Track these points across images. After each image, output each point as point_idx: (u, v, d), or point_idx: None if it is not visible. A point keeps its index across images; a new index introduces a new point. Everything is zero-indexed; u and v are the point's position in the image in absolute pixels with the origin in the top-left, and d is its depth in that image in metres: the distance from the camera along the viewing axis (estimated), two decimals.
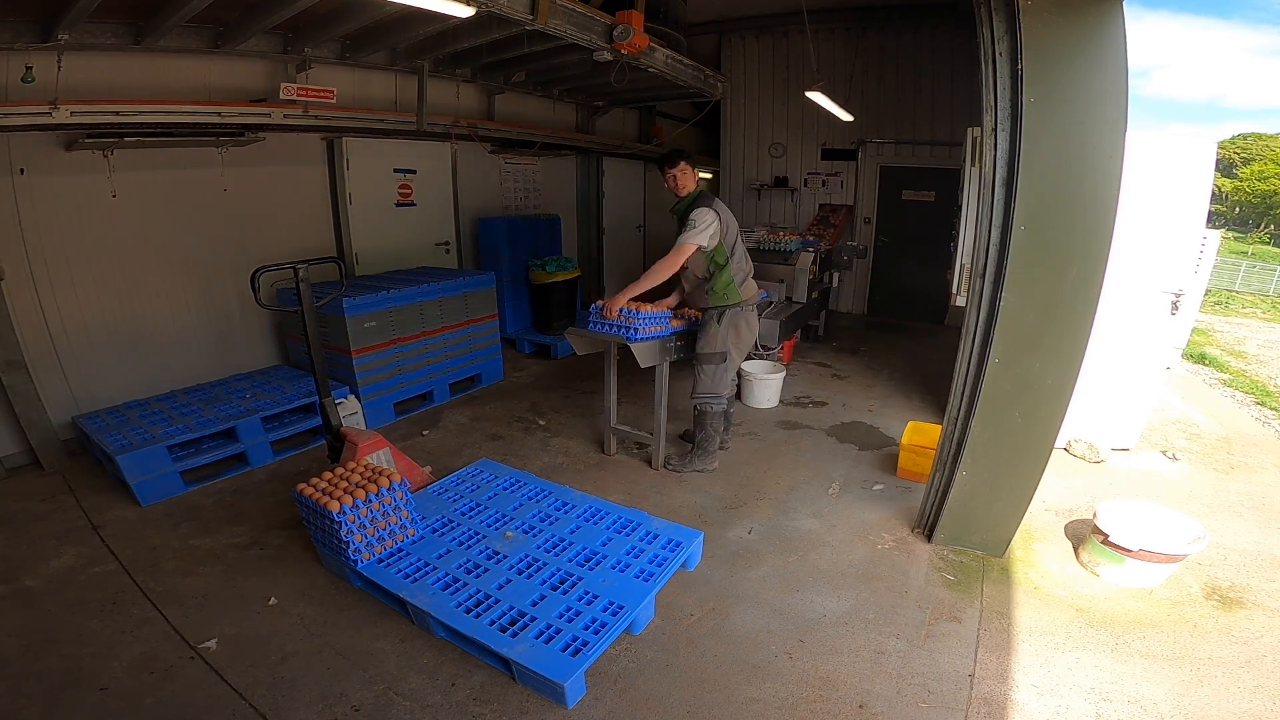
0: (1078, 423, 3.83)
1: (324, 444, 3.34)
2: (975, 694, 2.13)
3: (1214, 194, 4.60)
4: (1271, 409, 5.17)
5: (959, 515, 2.88)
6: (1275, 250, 29.28)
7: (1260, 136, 39.23)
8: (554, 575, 2.53)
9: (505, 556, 2.64)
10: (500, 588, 2.45)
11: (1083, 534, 2.97)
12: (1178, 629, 2.45)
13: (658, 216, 9.78)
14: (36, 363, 3.61)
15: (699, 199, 3.45)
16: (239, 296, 4.47)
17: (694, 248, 3.35)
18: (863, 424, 4.50)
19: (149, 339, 4.15)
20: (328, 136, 4.96)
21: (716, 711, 2.06)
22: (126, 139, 3.72)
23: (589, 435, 4.27)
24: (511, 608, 2.33)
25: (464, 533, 2.83)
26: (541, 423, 4.49)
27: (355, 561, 2.53)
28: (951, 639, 2.39)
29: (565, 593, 2.42)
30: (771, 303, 5.12)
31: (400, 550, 2.67)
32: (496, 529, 2.86)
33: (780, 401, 4.85)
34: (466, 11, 3.16)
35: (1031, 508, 2.78)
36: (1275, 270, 19.28)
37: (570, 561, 2.61)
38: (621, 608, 2.33)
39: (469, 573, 2.54)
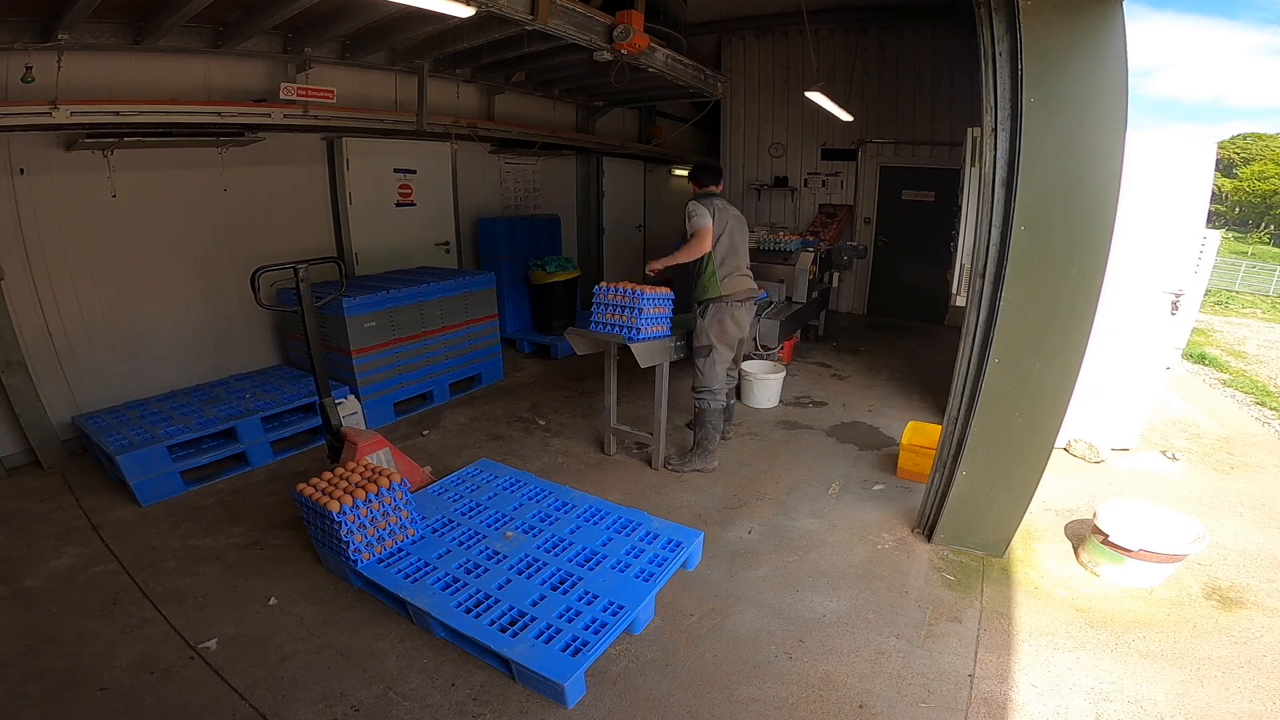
0: (1078, 423, 3.83)
1: (324, 444, 3.34)
2: (975, 694, 2.13)
3: (1214, 194, 4.59)
4: (1271, 409, 5.17)
5: (959, 515, 2.88)
6: (1275, 250, 29.28)
7: (1260, 136, 39.23)
8: (554, 575, 2.53)
9: (505, 556, 2.64)
10: (500, 588, 2.45)
11: (1083, 534, 2.97)
12: (1178, 629, 2.45)
13: (658, 216, 9.79)
14: (36, 363, 3.61)
15: (696, 197, 3.65)
16: (239, 296, 4.47)
17: (707, 230, 3.45)
18: (863, 424, 4.50)
19: (149, 339, 4.15)
20: (328, 136, 4.96)
21: (716, 711, 2.06)
22: (126, 139, 3.72)
23: (589, 435, 4.27)
24: (511, 608, 2.33)
25: (464, 533, 2.83)
26: (541, 423, 4.49)
27: (355, 561, 2.53)
28: (951, 639, 2.39)
29: (565, 593, 2.42)
30: (772, 303, 5.12)
31: (400, 550, 2.67)
32: (496, 529, 2.86)
33: (780, 401, 4.85)
34: (466, 11, 3.16)
35: (1031, 508, 2.78)
36: (1275, 270, 19.28)
37: (570, 561, 2.61)
38: (621, 608, 2.33)
39: (469, 573, 2.54)
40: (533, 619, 2.27)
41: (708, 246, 3.47)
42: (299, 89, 4.26)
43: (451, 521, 2.92)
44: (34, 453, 3.64)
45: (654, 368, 3.56)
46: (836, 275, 6.71)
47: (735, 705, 2.09)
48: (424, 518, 2.90)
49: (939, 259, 5.87)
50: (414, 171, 5.68)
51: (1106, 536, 2.70)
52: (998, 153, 2.42)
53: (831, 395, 5.06)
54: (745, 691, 2.14)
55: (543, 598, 2.39)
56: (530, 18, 3.44)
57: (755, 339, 4.84)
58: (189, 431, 3.51)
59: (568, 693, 2.03)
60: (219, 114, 3.95)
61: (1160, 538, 2.64)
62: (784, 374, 4.84)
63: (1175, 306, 3.68)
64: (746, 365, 4.90)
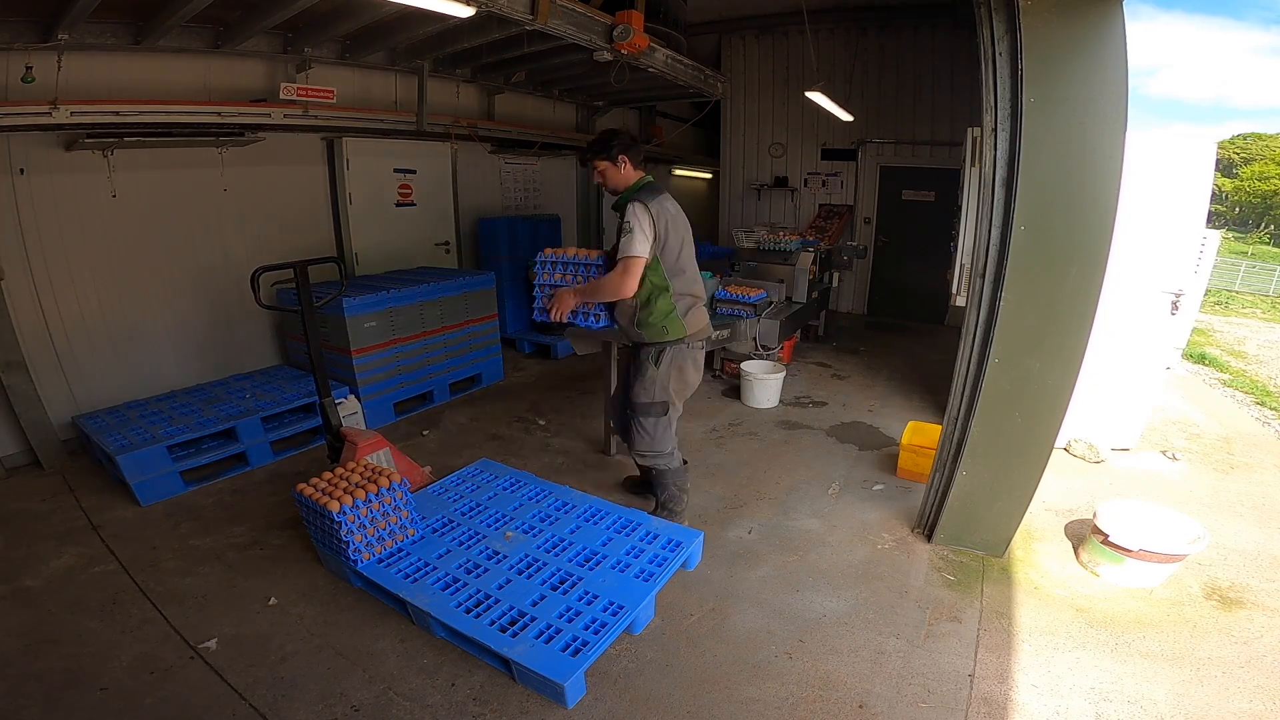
0: (1078, 423, 3.83)
1: (324, 444, 3.34)
2: (975, 694, 2.13)
3: (1214, 194, 4.60)
4: (1271, 409, 5.17)
5: (959, 515, 2.88)
6: (1275, 250, 29.29)
7: (1260, 136, 39.24)
8: (554, 575, 2.53)
9: (505, 556, 2.64)
10: (500, 588, 2.45)
11: (1083, 534, 2.97)
12: (1178, 629, 2.45)
13: None
14: (36, 363, 3.61)
15: (640, 191, 2.65)
16: (239, 296, 4.46)
17: (641, 261, 2.56)
18: (863, 424, 4.50)
19: (149, 339, 4.15)
20: (328, 136, 4.96)
21: (716, 711, 2.06)
22: (126, 139, 3.72)
23: (589, 435, 4.27)
24: (511, 608, 2.33)
25: (464, 533, 2.83)
26: (541, 423, 4.49)
27: (355, 561, 2.53)
28: (951, 639, 2.39)
29: (565, 593, 2.42)
30: (771, 303, 5.12)
31: (400, 550, 2.67)
32: (496, 529, 2.86)
33: (780, 401, 4.85)
34: (466, 11, 3.16)
35: (1031, 508, 2.78)
36: (1275, 270, 19.29)
37: (570, 561, 2.61)
38: (621, 608, 2.33)
39: (469, 573, 2.54)
40: (533, 619, 2.27)
41: (632, 288, 2.58)
42: (299, 89, 4.26)
43: (451, 521, 2.92)
44: (34, 453, 3.64)
45: None
46: (836, 275, 6.71)
47: (735, 705, 2.08)
48: (424, 518, 2.89)
49: (939, 259, 5.87)
50: (414, 171, 5.68)
51: (1106, 536, 2.70)
52: (998, 153, 2.41)
53: (831, 395, 5.06)
54: (745, 691, 2.14)
55: (543, 598, 2.39)
56: (530, 18, 3.44)
57: (755, 339, 4.84)
58: (189, 431, 3.51)
59: (568, 693, 2.03)
60: (219, 114, 3.96)
61: (1160, 538, 2.64)
62: (784, 374, 4.84)
63: (1175, 306, 3.68)
64: (746, 365, 4.90)
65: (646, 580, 2.49)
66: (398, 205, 5.62)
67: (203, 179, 4.25)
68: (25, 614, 2.47)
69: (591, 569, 2.56)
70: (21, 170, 3.48)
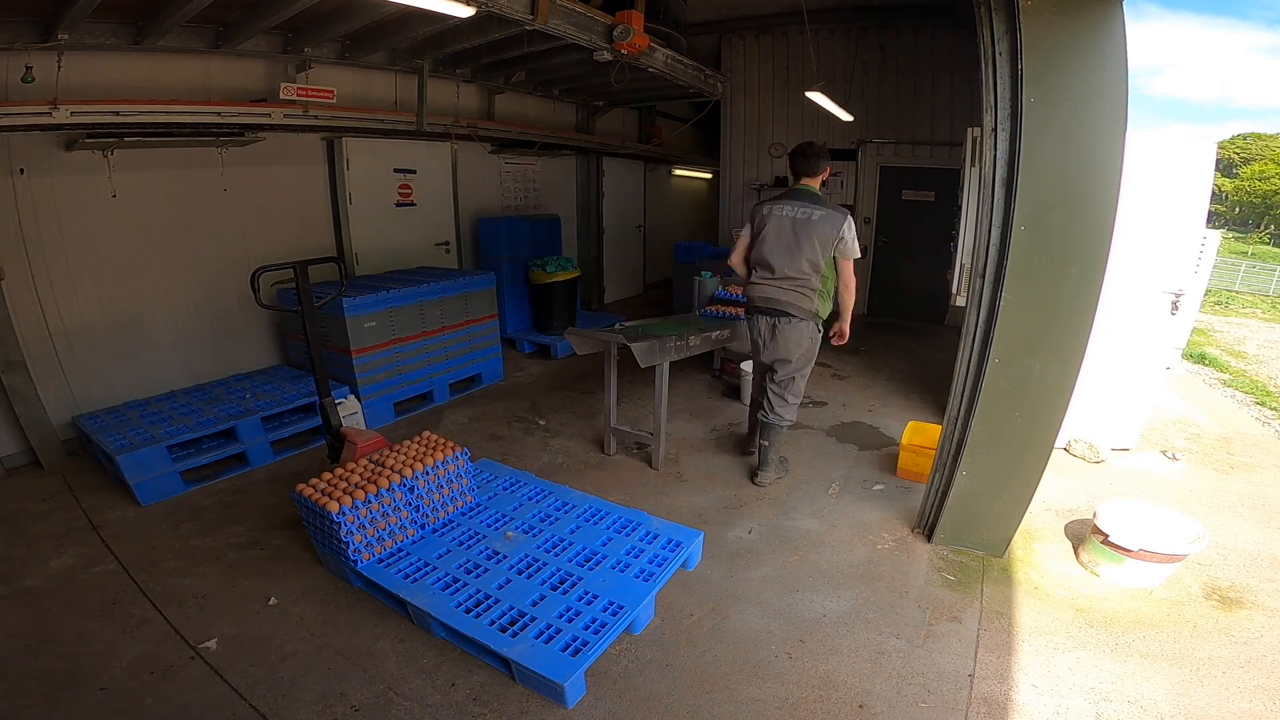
0: (1078, 423, 3.82)
1: (324, 444, 3.34)
2: (975, 694, 2.13)
3: (1214, 194, 4.60)
4: (1271, 409, 5.17)
5: (959, 515, 2.88)
6: (1275, 250, 29.29)
7: (1260, 136, 39.25)
8: (554, 575, 2.53)
9: (505, 556, 2.64)
10: (500, 588, 2.45)
11: (1083, 534, 2.97)
12: (1178, 629, 2.45)
13: (658, 216, 9.80)
14: (36, 363, 3.61)
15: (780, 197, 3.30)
16: (239, 296, 4.47)
17: (740, 240, 3.38)
18: (863, 424, 4.50)
19: (149, 339, 4.15)
20: (328, 136, 4.97)
21: (716, 711, 2.06)
22: (126, 139, 3.72)
23: (589, 435, 4.27)
24: (511, 608, 2.33)
25: (464, 533, 2.83)
26: (541, 423, 4.50)
27: (355, 561, 2.54)
28: (951, 639, 2.39)
29: (565, 593, 2.42)
30: None
31: (400, 550, 2.67)
32: (496, 529, 2.86)
33: None
34: (466, 11, 3.16)
35: (1031, 508, 2.78)
36: (1275, 270, 19.29)
37: (570, 561, 2.61)
38: (621, 608, 2.33)
39: (469, 573, 2.54)
40: (533, 619, 2.27)
41: (732, 262, 3.39)
42: (299, 89, 4.26)
43: (451, 521, 2.92)
44: (34, 453, 3.64)
45: (654, 368, 3.56)
46: None
47: (735, 705, 2.09)
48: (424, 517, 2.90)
49: (939, 259, 5.87)
50: (414, 171, 5.68)
51: (1106, 536, 2.70)
52: (998, 153, 2.41)
53: (831, 395, 5.06)
54: (745, 691, 2.14)
55: (543, 598, 2.39)
56: (530, 18, 3.44)
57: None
58: (189, 431, 3.51)
59: (568, 693, 2.03)
60: (219, 114, 3.96)
61: (1160, 538, 2.64)
62: None
63: (1175, 306, 3.68)
64: (746, 365, 4.90)
65: (646, 580, 2.49)
66: (398, 205, 5.62)
67: (203, 179, 4.25)
68: (25, 614, 2.47)
69: (591, 569, 2.56)
70: (21, 170, 3.48)
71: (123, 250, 3.96)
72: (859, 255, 3.19)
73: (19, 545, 2.92)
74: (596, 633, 2.21)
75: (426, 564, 2.59)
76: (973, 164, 3.09)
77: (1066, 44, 2.25)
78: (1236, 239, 31.67)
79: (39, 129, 3.34)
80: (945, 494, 2.87)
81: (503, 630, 2.22)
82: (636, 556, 2.64)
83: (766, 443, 3.47)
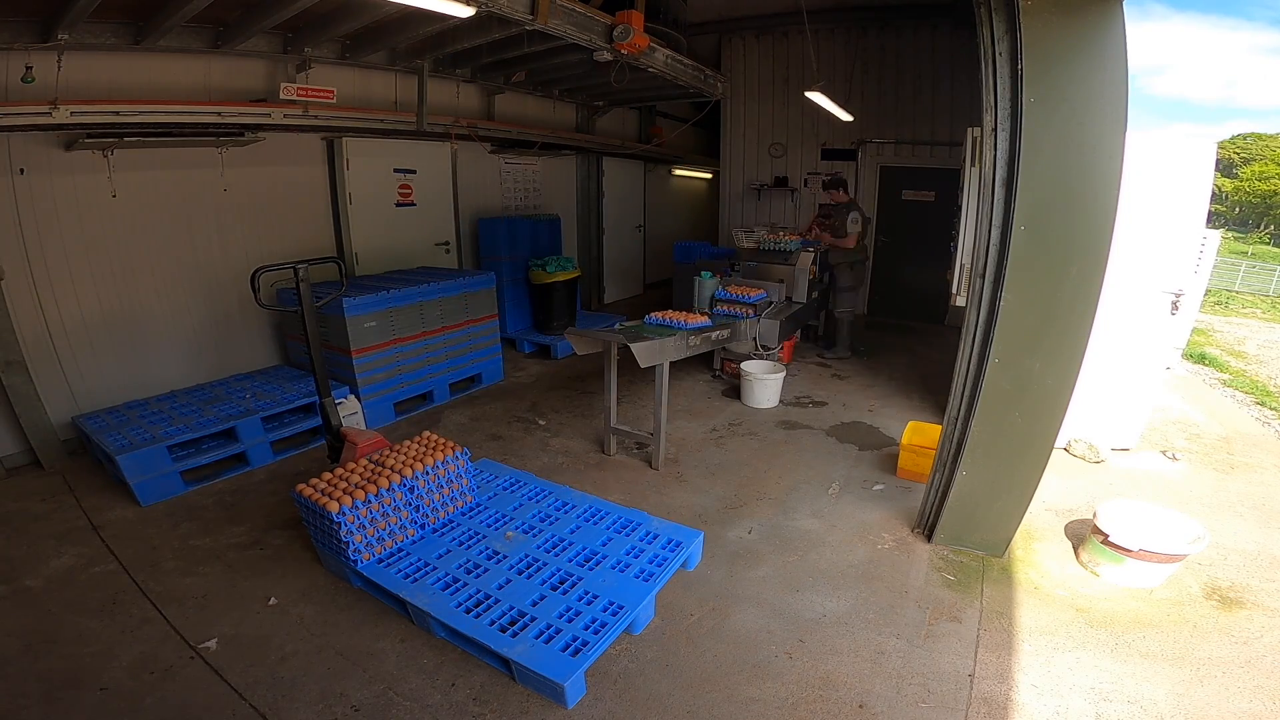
0: (1078, 423, 3.83)
1: (324, 444, 3.34)
2: (975, 694, 2.13)
3: (1214, 194, 4.60)
4: (1271, 409, 5.17)
5: (959, 515, 2.88)
6: (1275, 250, 29.27)
7: (1260, 136, 39.21)
8: (554, 575, 2.53)
9: (505, 556, 2.64)
10: (500, 588, 2.45)
11: (1083, 534, 2.97)
12: (1178, 629, 2.45)
13: (658, 216, 9.79)
14: (36, 363, 3.61)
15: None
16: (239, 296, 4.47)
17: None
18: (863, 424, 4.50)
19: (149, 339, 4.15)
20: (328, 136, 4.97)
21: (716, 711, 2.06)
22: (126, 139, 3.72)
23: (589, 435, 4.27)
24: (511, 608, 2.33)
25: (464, 533, 2.83)
26: (541, 423, 4.50)
27: (355, 561, 2.54)
28: (951, 639, 2.39)
29: (565, 593, 2.42)
30: (771, 303, 5.12)
31: (400, 550, 2.67)
32: (496, 529, 2.86)
33: (780, 401, 4.85)
34: (466, 11, 3.16)
35: (1031, 508, 2.78)
36: (1275, 270, 19.28)
37: (570, 561, 2.61)
38: (621, 608, 2.33)
39: (469, 573, 2.54)
40: (533, 619, 2.27)
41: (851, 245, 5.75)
42: (299, 89, 4.27)
43: (451, 521, 2.92)
44: (34, 453, 3.64)
45: (654, 368, 3.56)
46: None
47: (735, 705, 2.09)
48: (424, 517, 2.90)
49: (939, 259, 5.87)
50: (414, 171, 5.68)
51: (1106, 536, 2.70)
52: (998, 153, 2.42)
53: (831, 395, 5.06)
54: (745, 691, 2.14)
55: (543, 598, 2.39)
56: (530, 18, 3.44)
57: (755, 339, 4.84)
58: (189, 431, 3.51)
59: (568, 693, 2.03)
60: (219, 114, 3.96)
61: (1160, 538, 2.64)
62: (784, 374, 4.84)
63: (1175, 306, 3.68)
64: (746, 365, 4.90)
65: (646, 580, 2.49)
66: (398, 205, 5.62)
67: (203, 179, 4.25)
68: (25, 614, 2.47)
69: (591, 569, 2.56)
70: (21, 170, 3.48)
71: (123, 250, 3.96)
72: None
73: (19, 545, 2.92)
74: (596, 633, 2.21)
75: (426, 564, 2.59)
76: (973, 164, 3.08)
77: (1066, 44, 2.25)
78: (1236, 239, 31.65)
79: (39, 129, 3.35)
80: (945, 494, 2.87)
81: (503, 630, 2.22)
82: (636, 556, 2.64)
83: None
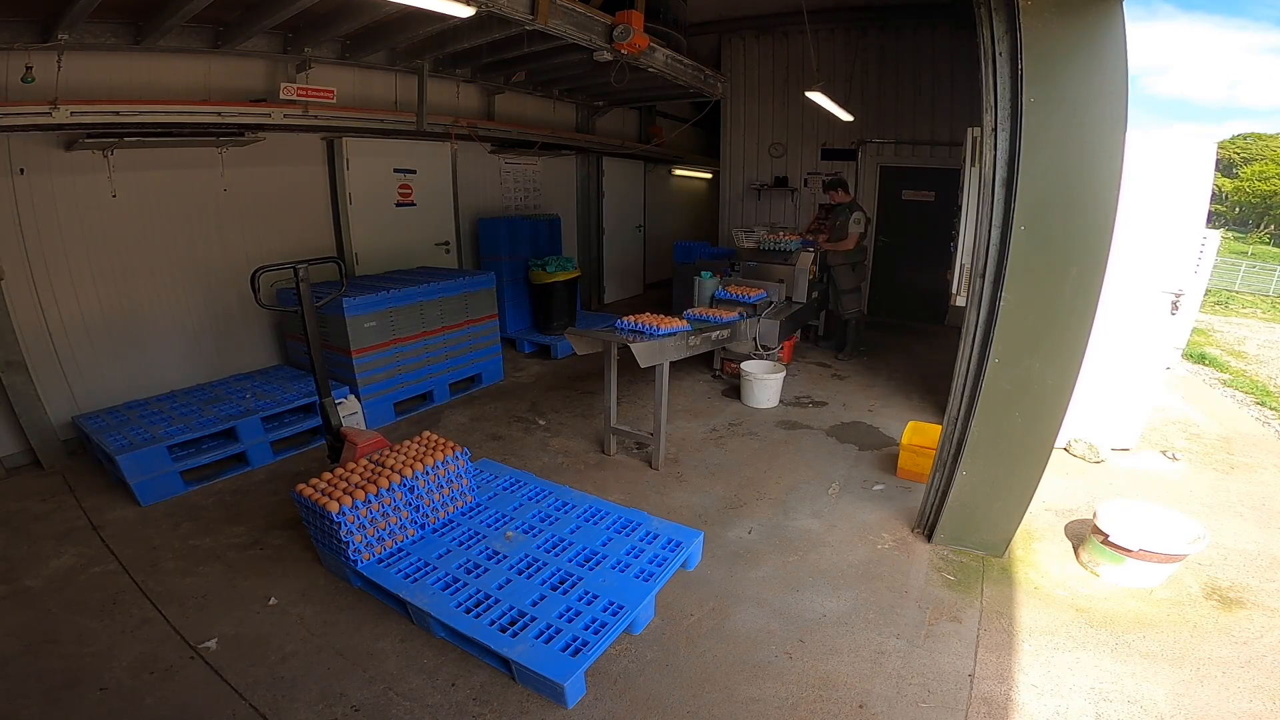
0: (1078, 423, 3.83)
1: (324, 444, 3.34)
2: (975, 694, 2.13)
3: (1214, 194, 4.60)
4: (1271, 409, 5.16)
5: (959, 515, 2.88)
6: (1275, 250, 29.27)
7: (1260, 136, 39.18)
8: (554, 575, 2.53)
9: (505, 556, 2.64)
10: (500, 588, 2.45)
11: (1083, 534, 2.97)
12: (1178, 629, 2.45)
13: (658, 216, 9.79)
14: (36, 363, 3.61)
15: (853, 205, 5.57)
16: (239, 296, 4.47)
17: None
18: (863, 424, 4.50)
19: (149, 339, 4.15)
20: (328, 136, 4.96)
21: (717, 711, 2.06)
22: (126, 139, 3.72)
23: (589, 435, 4.27)
24: (511, 608, 2.33)
25: (464, 533, 2.83)
26: (541, 423, 4.49)
27: (355, 561, 2.54)
28: (951, 639, 2.39)
29: (565, 593, 2.42)
30: (771, 303, 5.12)
31: (400, 550, 2.67)
32: (496, 529, 2.86)
33: (780, 401, 4.84)
34: (466, 11, 3.16)
35: (1031, 508, 2.78)
36: (1275, 270, 19.28)
37: (570, 561, 2.61)
38: (621, 608, 2.33)
39: (469, 573, 2.54)
40: (533, 619, 2.27)
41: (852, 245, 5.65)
42: (299, 89, 4.26)
43: (451, 521, 2.92)
44: (34, 453, 3.64)
45: (654, 368, 3.56)
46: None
47: (735, 705, 2.09)
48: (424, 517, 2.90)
49: (939, 259, 5.86)
50: (414, 171, 5.68)
51: (1106, 536, 2.70)
52: (998, 153, 2.42)
53: (831, 395, 5.06)
54: (745, 691, 2.14)
55: (543, 598, 2.39)
56: (530, 18, 3.44)
57: (755, 339, 4.84)
58: (189, 431, 3.51)
59: (568, 693, 2.03)
60: (219, 114, 3.95)
61: (1160, 538, 2.64)
62: (784, 374, 4.84)
63: (1175, 306, 3.68)
64: (746, 365, 4.90)
65: (646, 580, 2.49)
66: (398, 205, 5.62)
67: (203, 179, 4.25)
68: (25, 614, 2.47)
69: (591, 569, 2.56)
70: (21, 170, 3.48)
71: (123, 250, 3.96)
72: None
73: (19, 545, 2.92)
74: (596, 633, 2.21)
75: (426, 564, 2.59)
76: (973, 164, 3.08)
77: (1066, 44, 2.25)
78: (1236, 239, 31.65)
79: (39, 129, 3.34)
80: (945, 494, 2.87)
81: (503, 630, 2.22)
82: (636, 556, 2.64)
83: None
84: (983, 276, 2.56)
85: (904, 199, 7.53)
